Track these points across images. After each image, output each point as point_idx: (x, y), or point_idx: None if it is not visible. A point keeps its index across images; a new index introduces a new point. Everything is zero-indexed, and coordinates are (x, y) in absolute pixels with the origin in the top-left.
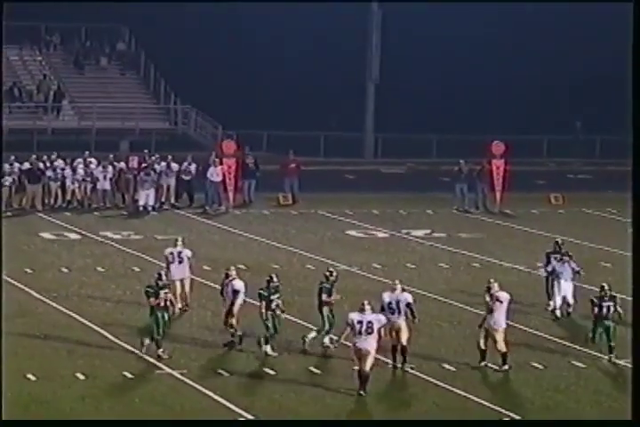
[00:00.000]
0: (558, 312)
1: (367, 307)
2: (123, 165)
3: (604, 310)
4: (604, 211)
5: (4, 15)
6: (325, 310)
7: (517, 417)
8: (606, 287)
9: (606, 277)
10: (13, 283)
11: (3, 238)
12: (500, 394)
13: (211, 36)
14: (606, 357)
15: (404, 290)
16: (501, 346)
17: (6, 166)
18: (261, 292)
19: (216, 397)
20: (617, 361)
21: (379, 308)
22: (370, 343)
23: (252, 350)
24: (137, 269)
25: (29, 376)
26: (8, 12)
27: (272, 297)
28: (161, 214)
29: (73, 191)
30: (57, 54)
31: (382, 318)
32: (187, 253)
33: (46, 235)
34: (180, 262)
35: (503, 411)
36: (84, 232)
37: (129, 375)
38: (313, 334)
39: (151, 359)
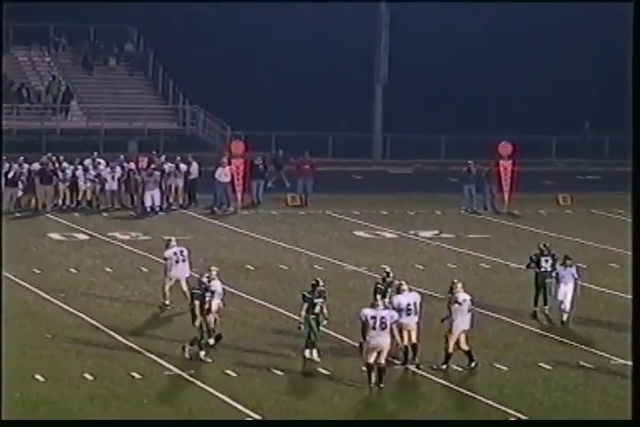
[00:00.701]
0: (549, 313)
1: (379, 302)
2: (132, 165)
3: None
4: (612, 211)
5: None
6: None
7: (525, 418)
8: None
9: (614, 277)
10: (22, 283)
11: (11, 239)
12: (507, 394)
13: (219, 36)
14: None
15: (411, 290)
16: (463, 345)
17: (15, 166)
18: (305, 294)
19: (224, 397)
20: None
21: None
22: (384, 338)
23: (263, 350)
24: (145, 270)
25: (37, 377)
26: (16, 13)
27: (316, 300)
28: (169, 215)
29: (85, 192)
30: (65, 55)
31: (395, 313)
32: (185, 251)
33: (55, 235)
34: (184, 261)
35: (511, 411)
36: (92, 233)
37: (137, 376)
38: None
39: (159, 360)
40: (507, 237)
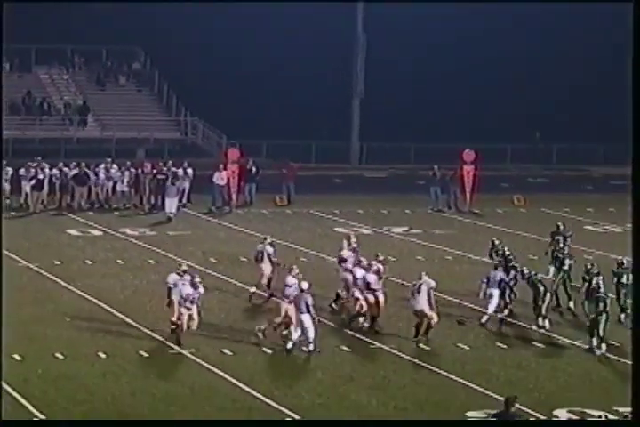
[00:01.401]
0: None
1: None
2: (147, 169)
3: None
4: (561, 210)
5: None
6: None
7: (484, 390)
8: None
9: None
10: (44, 273)
11: (35, 235)
12: (469, 370)
13: (217, 55)
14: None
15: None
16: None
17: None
18: None
19: (221, 373)
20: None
21: None
22: (420, 303)
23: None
24: (152, 262)
25: (57, 355)
26: (37, 35)
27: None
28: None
29: (97, 193)
30: (81, 73)
31: (432, 281)
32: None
33: (72, 231)
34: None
35: (472, 385)
36: (105, 229)
37: (145, 354)
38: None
39: (164, 340)
40: (468, 233)
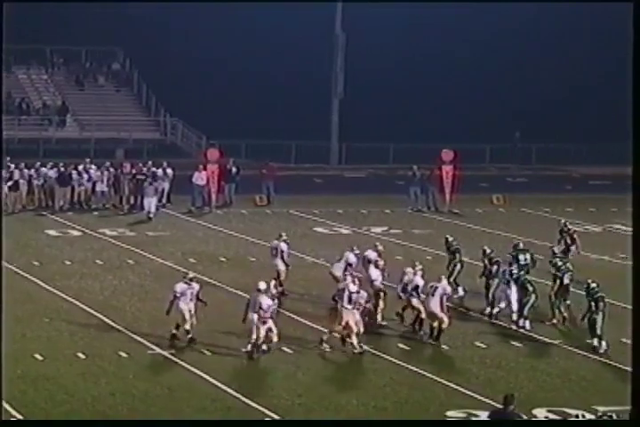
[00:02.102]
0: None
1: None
2: (125, 169)
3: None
4: (540, 210)
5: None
6: None
7: (464, 390)
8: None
9: (541, 266)
10: (23, 274)
11: (14, 236)
12: (449, 370)
13: (196, 56)
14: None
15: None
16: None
17: (17, 172)
18: None
19: (200, 373)
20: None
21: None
22: (431, 305)
23: (234, 332)
24: (131, 262)
25: (36, 356)
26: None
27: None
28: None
29: (79, 193)
30: (60, 73)
31: (448, 287)
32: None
33: (52, 232)
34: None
35: (451, 385)
36: (84, 229)
37: (124, 355)
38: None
39: (143, 340)
40: (447, 233)
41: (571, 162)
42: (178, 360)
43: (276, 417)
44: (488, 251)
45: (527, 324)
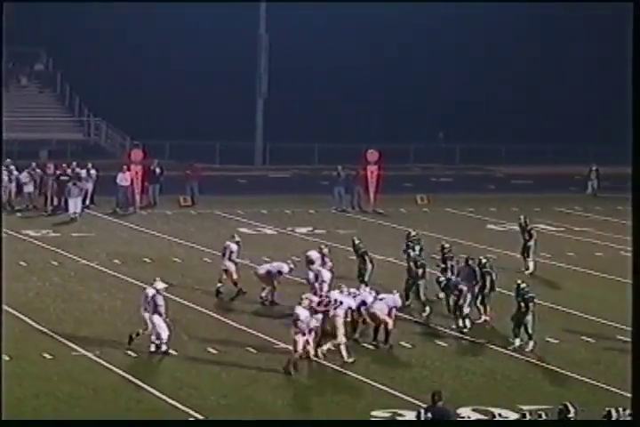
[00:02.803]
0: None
1: None
2: (49, 170)
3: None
4: (464, 210)
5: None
6: None
7: (389, 390)
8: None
9: None
10: None
11: None
12: (373, 369)
13: (120, 56)
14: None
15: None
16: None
17: None
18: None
19: (125, 375)
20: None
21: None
22: (375, 307)
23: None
24: (55, 263)
25: None
26: None
27: None
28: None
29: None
30: None
31: (399, 300)
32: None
33: None
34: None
35: (375, 384)
36: (7, 231)
37: (48, 356)
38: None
39: (67, 342)
40: (372, 233)
41: (494, 162)
42: (102, 362)
43: (201, 418)
44: (447, 246)
45: (467, 323)
